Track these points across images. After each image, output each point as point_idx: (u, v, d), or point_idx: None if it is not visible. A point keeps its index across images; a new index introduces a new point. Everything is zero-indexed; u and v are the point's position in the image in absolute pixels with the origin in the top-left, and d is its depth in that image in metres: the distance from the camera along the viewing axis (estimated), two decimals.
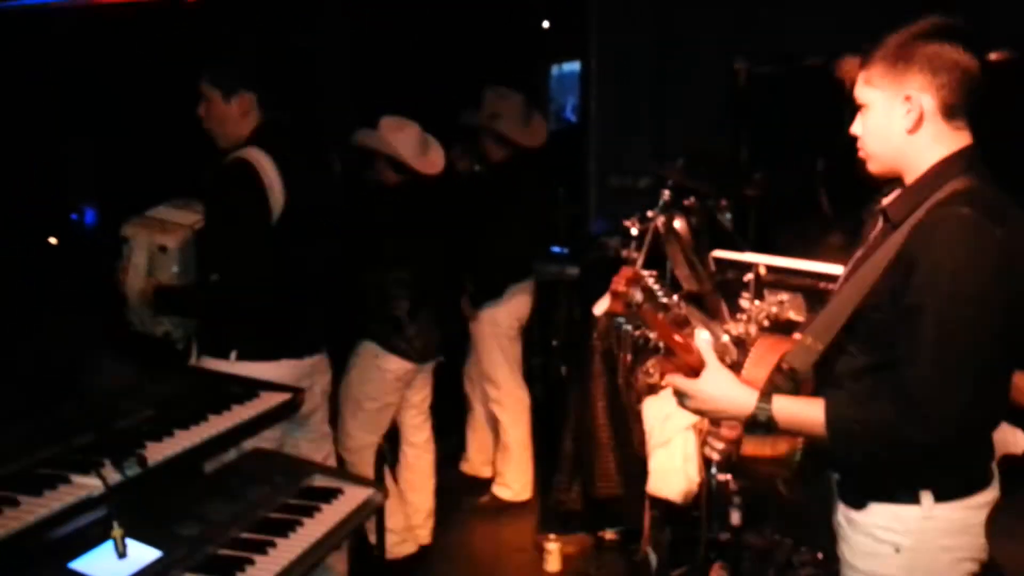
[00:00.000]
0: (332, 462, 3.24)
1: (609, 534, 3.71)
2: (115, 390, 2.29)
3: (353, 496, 2.32)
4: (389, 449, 3.35)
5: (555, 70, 6.98)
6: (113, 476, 1.83)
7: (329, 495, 2.30)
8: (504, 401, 4.19)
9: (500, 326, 4.11)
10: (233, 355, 2.79)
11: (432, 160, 3.51)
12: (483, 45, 5.99)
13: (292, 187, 2.76)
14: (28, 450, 1.91)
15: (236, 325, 2.82)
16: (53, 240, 6.20)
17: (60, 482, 1.81)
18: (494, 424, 4.27)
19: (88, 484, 1.81)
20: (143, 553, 1.83)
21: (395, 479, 3.67)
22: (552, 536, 3.74)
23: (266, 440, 2.66)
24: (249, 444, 2.47)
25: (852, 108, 1.80)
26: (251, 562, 1.94)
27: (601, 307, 1.91)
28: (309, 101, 5.63)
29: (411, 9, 5.92)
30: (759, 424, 1.71)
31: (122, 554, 1.77)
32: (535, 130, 4.14)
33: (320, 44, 6.19)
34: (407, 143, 3.44)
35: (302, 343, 2.94)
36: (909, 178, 1.75)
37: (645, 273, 1.81)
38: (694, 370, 1.76)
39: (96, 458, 1.88)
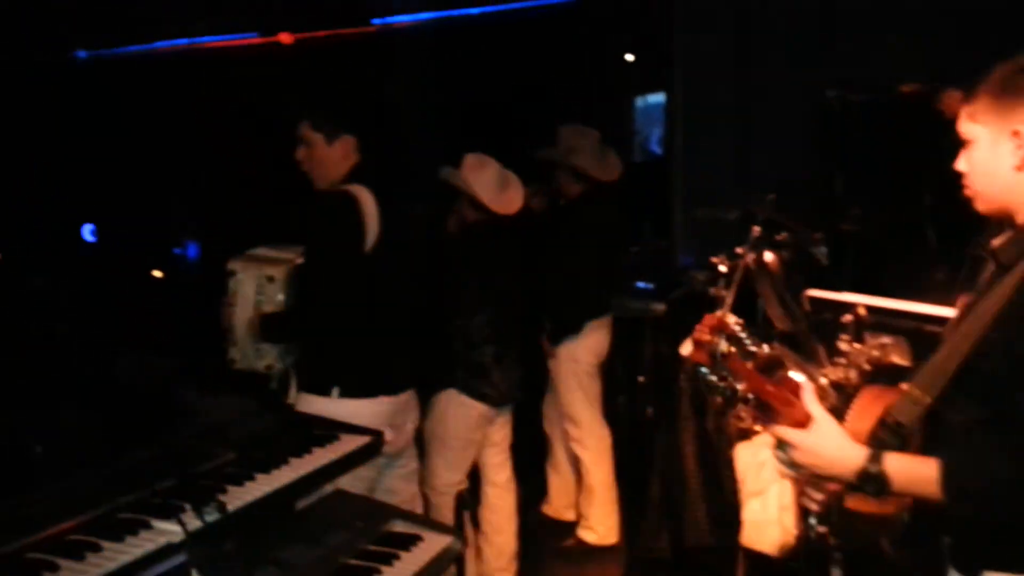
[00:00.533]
0: (419, 500, 3.23)
1: None
2: (198, 432, 2.30)
3: (432, 544, 2.27)
4: (470, 492, 3.30)
5: (639, 102, 6.94)
6: (193, 522, 1.82)
7: (408, 542, 2.26)
8: (585, 440, 4.10)
9: (579, 363, 4.05)
10: (335, 392, 2.82)
11: (510, 200, 3.50)
12: (569, 79, 6.02)
13: (387, 224, 2.84)
14: (111, 494, 1.91)
15: (336, 361, 2.86)
16: (158, 273, 6.39)
17: (141, 528, 1.81)
18: (576, 465, 4.18)
19: (168, 530, 1.80)
20: None
21: (475, 525, 3.61)
22: None
23: (360, 479, 2.67)
24: (343, 482, 2.46)
25: (954, 137, 1.70)
26: None
27: (689, 347, 1.81)
28: (398, 144, 5.73)
29: (498, 46, 5.99)
30: (869, 483, 1.58)
31: None
32: (610, 165, 4.14)
33: (408, 83, 6.32)
34: (485, 183, 3.44)
35: (396, 379, 2.97)
36: (1020, 218, 1.64)
37: (731, 320, 1.70)
38: (797, 423, 1.65)
39: (177, 503, 1.87)
